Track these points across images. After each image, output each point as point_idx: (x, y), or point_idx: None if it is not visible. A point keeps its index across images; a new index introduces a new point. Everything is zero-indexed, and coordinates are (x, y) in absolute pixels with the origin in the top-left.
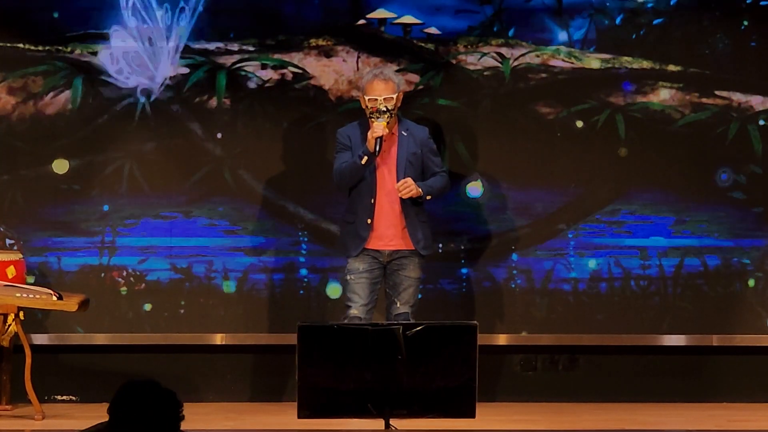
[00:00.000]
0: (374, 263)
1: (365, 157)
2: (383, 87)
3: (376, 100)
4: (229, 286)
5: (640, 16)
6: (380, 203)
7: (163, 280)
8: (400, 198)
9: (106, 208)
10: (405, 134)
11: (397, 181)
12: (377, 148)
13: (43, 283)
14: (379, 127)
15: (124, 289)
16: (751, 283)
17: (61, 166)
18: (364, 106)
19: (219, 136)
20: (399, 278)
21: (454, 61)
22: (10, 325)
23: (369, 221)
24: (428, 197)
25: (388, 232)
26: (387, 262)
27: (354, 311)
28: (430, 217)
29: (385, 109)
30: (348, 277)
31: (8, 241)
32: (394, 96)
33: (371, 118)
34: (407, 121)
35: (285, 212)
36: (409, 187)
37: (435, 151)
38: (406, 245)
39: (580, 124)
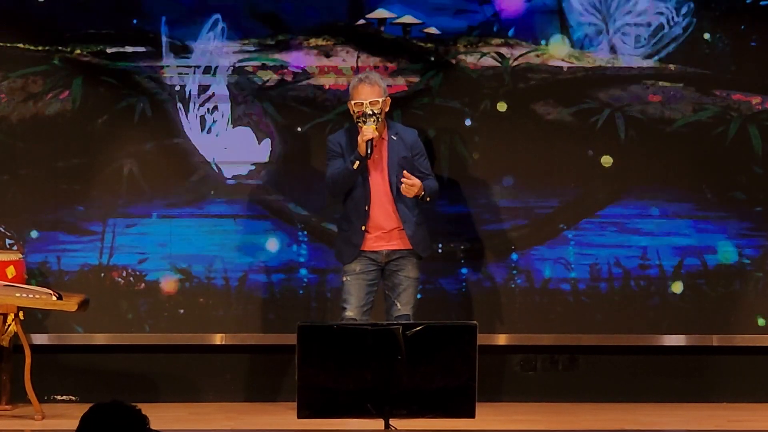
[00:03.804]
0: (371, 265)
1: (357, 162)
2: (369, 91)
3: (362, 104)
4: (228, 286)
5: (640, 16)
6: (374, 210)
7: (162, 280)
8: (394, 202)
9: (105, 208)
10: (395, 138)
11: (390, 185)
12: (368, 152)
13: (43, 283)
14: (368, 130)
15: (123, 288)
16: (751, 283)
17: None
18: (351, 112)
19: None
20: (398, 279)
21: (454, 61)
22: (10, 325)
23: (363, 228)
24: (428, 198)
25: (384, 236)
26: (385, 263)
27: (349, 313)
28: (428, 217)
29: (371, 112)
30: (344, 279)
31: (8, 241)
32: (380, 100)
33: (358, 122)
34: (396, 124)
35: (285, 212)
36: (415, 186)
37: (424, 154)
38: (404, 245)
39: (579, 124)
